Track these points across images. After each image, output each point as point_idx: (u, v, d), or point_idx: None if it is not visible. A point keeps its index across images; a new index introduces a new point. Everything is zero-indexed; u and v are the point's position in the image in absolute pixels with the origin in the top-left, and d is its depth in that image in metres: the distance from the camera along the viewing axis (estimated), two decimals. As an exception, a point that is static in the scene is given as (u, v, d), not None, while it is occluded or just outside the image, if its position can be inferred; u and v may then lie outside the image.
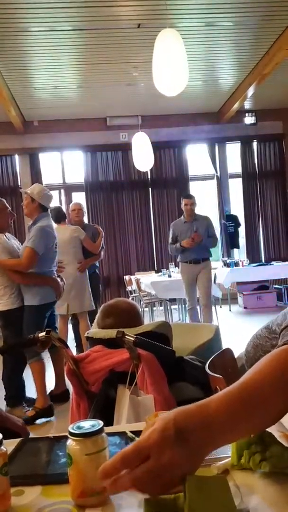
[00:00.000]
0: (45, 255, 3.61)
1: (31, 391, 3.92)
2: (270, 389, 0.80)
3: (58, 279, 3.82)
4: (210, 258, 5.87)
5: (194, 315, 5.77)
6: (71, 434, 0.87)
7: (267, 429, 0.98)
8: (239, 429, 0.80)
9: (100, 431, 0.88)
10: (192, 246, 5.56)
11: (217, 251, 9.25)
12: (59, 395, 3.80)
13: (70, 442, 0.87)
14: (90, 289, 5.10)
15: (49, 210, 3.85)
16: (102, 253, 5.56)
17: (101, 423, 0.90)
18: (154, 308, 7.26)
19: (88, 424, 0.89)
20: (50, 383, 3.86)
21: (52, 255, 3.73)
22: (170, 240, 5.89)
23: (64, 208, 5.62)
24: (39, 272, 3.62)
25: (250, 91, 7.09)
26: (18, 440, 1.16)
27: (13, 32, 5.02)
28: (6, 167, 8.34)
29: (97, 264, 5.71)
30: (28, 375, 3.95)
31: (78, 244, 5.05)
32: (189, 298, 5.77)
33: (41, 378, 3.57)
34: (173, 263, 7.49)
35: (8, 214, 3.72)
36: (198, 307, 5.88)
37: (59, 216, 5.17)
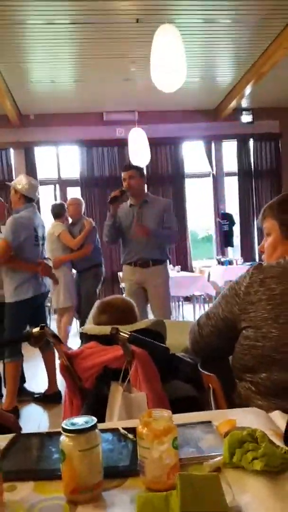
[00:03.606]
0: (23, 246, 3.53)
1: (32, 384, 3.93)
2: None
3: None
4: (167, 261, 4.07)
5: None
6: (65, 430, 0.87)
7: (259, 428, 0.99)
8: None
9: (93, 427, 0.88)
10: (138, 236, 3.81)
11: (211, 249, 9.26)
12: (51, 396, 3.75)
13: (63, 438, 0.88)
14: (68, 286, 5.02)
15: (35, 201, 3.75)
16: (89, 248, 5.08)
17: (94, 419, 0.90)
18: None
19: (81, 421, 0.89)
20: (43, 384, 3.85)
21: (32, 247, 3.60)
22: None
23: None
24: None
25: (248, 89, 7.09)
26: (10, 435, 1.16)
27: (10, 25, 4.98)
28: (1, 161, 8.28)
29: (97, 261, 5.26)
30: (29, 367, 3.96)
31: (54, 241, 5.01)
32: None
33: (14, 380, 3.51)
34: (168, 260, 7.49)
35: (1, 207, 3.75)
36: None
37: (55, 213, 5.22)
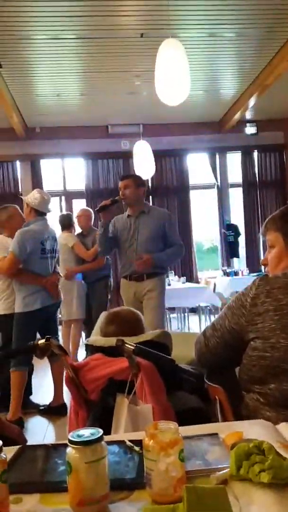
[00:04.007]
0: (29, 259, 3.56)
1: (37, 396, 3.92)
2: None
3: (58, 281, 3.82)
4: (164, 274, 3.86)
5: None
6: (71, 442, 0.87)
7: (266, 440, 0.98)
8: None
9: (99, 439, 0.88)
10: (141, 269, 3.60)
11: (216, 260, 9.25)
12: (57, 408, 3.73)
13: (69, 450, 0.88)
14: (81, 298, 5.04)
15: (46, 214, 3.80)
16: (103, 259, 5.13)
17: (100, 431, 0.90)
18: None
19: (87, 432, 0.89)
20: (49, 395, 3.84)
21: (38, 260, 3.62)
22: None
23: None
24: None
25: (252, 101, 7.13)
26: (16, 447, 1.15)
27: (17, 40, 5.06)
28: (7, 173, 8.36)
29: (106, 272, 5.37)
30: (35, 378, 3.95)
31: (66, 252, 5.03)
32: None
33: (19, 389, 3.50)
34: (173, 271, 7.48)
35: (20, 219, 3.82)
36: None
37: (63, 224, 5.26)
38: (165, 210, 4.09)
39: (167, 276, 7.12)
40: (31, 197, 3.73)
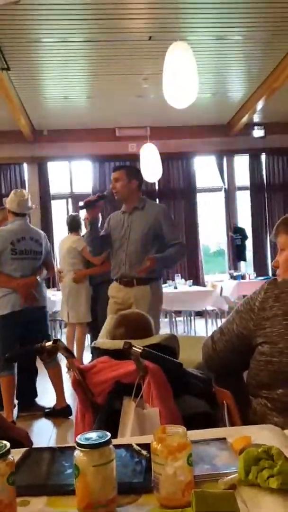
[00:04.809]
0: (0, 259, 3.52)
1: (43, 399, 3.92)
2: None
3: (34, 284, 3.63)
4: (158, 280, 3.38)
5: None
6: (79, 445, 0.87)
7: (274, 445, 0.97)
8: None
9: (107, 442, 0.88)
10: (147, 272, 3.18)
11: (223, 264, 9.22)
12: (61, 411, 3.72)
13: (77, 453, 0.87)
14: (88, 300, 5.02)
15: (26, 214, 3.74)
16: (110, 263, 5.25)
17: (108, 434, 0.89)
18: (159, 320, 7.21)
19: (95, 436, 0.89)
20: (52, 398, 3.85)
21: (8, 261, 3.53)
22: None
23: None
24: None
25: (260, 104, 7.12)
26: (23, 449, 1.15)
27: (25, 42, 5.09)
28: (15, 176, 8.40)
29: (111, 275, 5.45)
30: (40, 382, 3.95)
31: (76, 255, 5.03)
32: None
33: (8, 393, 3.49)
34: (179, 274, 7.47)
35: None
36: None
37: (70, 226, 5.25)
38: (161, 205, 3.45)
39: (172, 280, 7.12)
40: (8, 199, 3.73)
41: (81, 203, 3.41)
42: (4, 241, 3.54)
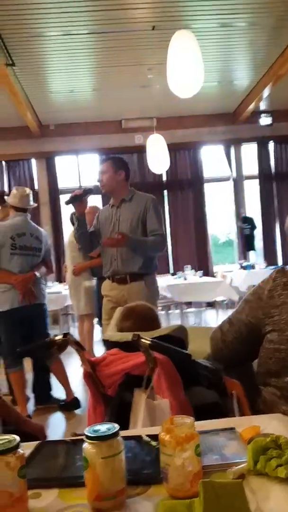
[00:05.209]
0: (1, 253, 3.50)
1: (58, 392, 3.95)
2: None
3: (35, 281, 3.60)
4: (152, 274, 3.31)
5: None
6: (87, 437, 0.88)
7: (283, 435, 0.98)
8: None
9: (115, 434, 0.88)
10: (113, 246, 3.17)
11: (233, 254, 9.19)
12: (70, 403, 3.75)
13: (86, 445, 0.88)
14: (88, 293, 5.01)
15: (27, 210, 3.71)
16: None
17: (116, 426, 0.90)
18: (170, 311, 7.24)
19: (104, 428, 0.90)
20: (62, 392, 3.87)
21: (8, 256, 3.51)
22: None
23: None
24: None
25: (266, 92, 7.04)
26: (35, 443, 1.17)
27: (29, 37, 5.07)
28: (23, 171, 8.42)
29: None
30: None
31: (75, 249, 5.03)
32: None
33: (20, 388, 3.51)
34: (189, 265, 7.46)
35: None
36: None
37: (72, 221, 5.27)
38: (150, 195, 3.37)
39: (182, 272, 7.10)
40: (10, 195, 3.75)
41: (67, 199, 3.27)
42: (4, 235, 3.54)
